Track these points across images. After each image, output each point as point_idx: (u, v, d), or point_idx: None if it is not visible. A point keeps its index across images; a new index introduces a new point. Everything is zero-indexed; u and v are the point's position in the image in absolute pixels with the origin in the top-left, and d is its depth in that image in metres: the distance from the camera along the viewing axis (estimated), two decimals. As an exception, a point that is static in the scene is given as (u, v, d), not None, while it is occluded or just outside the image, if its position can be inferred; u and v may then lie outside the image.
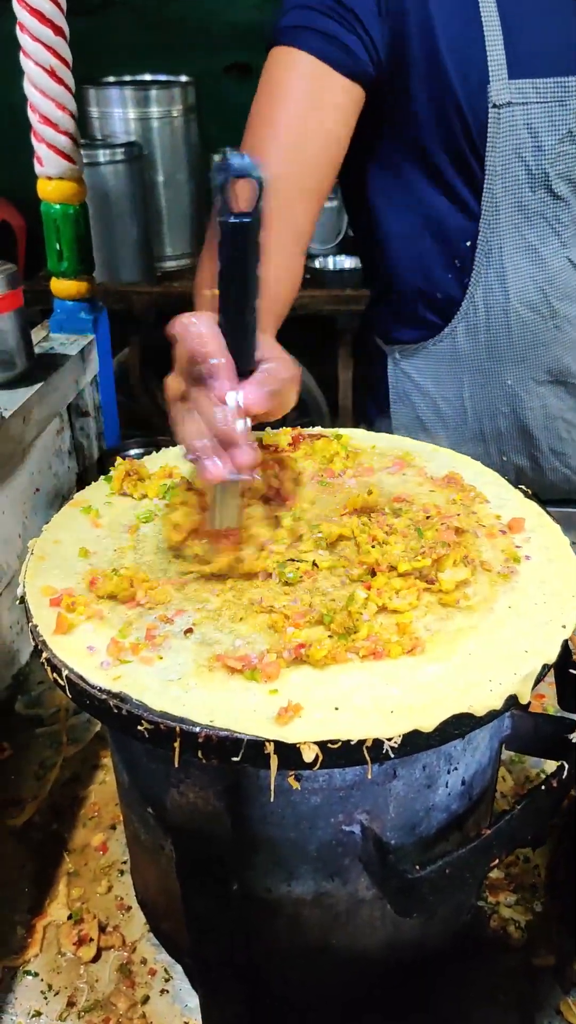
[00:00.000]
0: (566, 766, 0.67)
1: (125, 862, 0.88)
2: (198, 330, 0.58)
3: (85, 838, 0.92)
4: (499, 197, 1.11)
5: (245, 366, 0.59)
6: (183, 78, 2.88)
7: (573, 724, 0.69)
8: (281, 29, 1.01)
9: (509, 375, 1.23)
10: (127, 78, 2.94)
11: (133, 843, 0.79)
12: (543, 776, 0.97)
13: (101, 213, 2.51)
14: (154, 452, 0.88)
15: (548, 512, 0.76)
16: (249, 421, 0.60)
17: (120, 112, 2.74)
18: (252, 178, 0.54)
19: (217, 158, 3.20)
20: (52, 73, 1.16)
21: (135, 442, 1.45)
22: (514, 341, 1.20)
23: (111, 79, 2.90)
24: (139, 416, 2.87)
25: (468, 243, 1.15)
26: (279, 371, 0.61)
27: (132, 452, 1.44)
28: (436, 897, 0.58)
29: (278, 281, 0.92)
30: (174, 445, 0.88)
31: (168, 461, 0.83)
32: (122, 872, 0.88)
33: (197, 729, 0.52)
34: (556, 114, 1.07)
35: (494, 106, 1.05)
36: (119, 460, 0.80)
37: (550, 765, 0.96)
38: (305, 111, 1.00)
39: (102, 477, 0.81)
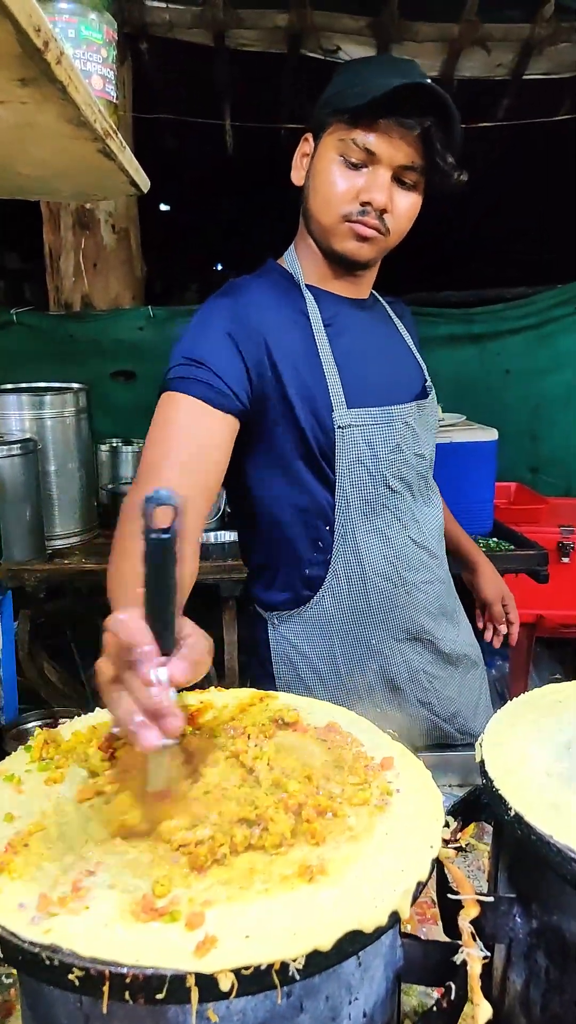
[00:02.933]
0: (453, 987, 0.74)
1: None
2: (128, 625, 0.69)
3: None
4: (348, 492, 1.38)
5: (168, 648, 0.70)
6: (75, 385, 3.27)
7: (456, 947, 0.77)
8: (170, 380, 1.28)
9: (372, 635, 1.42)
10: (24, 385, 3.31)
11: None
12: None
13: (-3, 499, 2.71)
14: (56, 724, 0.96)
15: (415, 754, 0.90)
16: (175, 692, 0.69)
17: (17, 414, 3.06)
18: (170, 505, 0.68)
19: (104, 448, 3.58)
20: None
21: (35, 715, 1.51)
22: (373, 606, 1.41)
23: (9, 386, 3.26)
24: (27, 688, 2.87)
25: (328, 528, 1.40)
26: (198, 645, 0.72)
27: (31, 725, 1.49)
28: None
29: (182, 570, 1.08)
30: (70, 717, 0.98)
31: (78, 728, 0.93)
32: None
33: (124, 970, 0.58)
34: (386, 432, 1.39)
35: (339, 427, 1.35)
36: (38, 730, 0.88)
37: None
38: (190, 440, 1.24)
39: (21, 747, 0.89)
